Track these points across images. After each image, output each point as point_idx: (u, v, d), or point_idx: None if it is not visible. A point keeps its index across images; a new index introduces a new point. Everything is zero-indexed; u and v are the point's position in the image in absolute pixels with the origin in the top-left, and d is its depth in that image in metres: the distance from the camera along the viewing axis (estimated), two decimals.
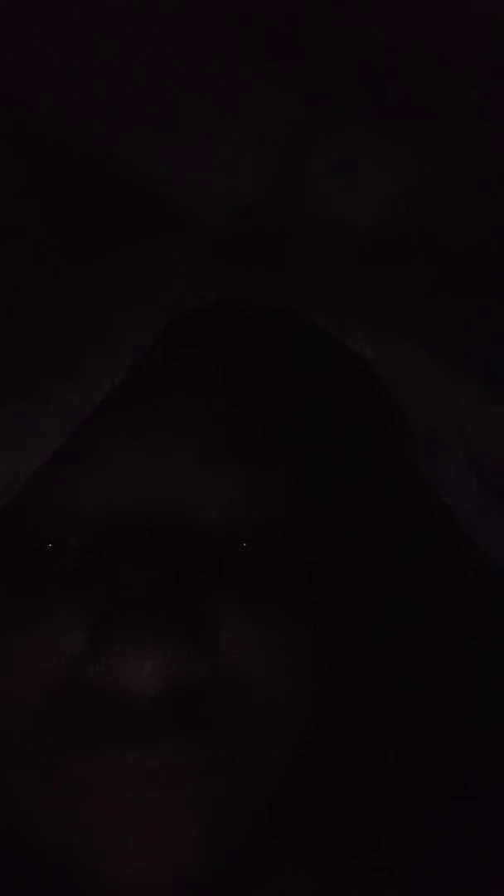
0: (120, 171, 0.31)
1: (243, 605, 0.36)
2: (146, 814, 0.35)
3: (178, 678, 0.34)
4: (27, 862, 0.37)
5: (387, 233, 0.32)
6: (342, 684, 0.38)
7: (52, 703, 0.35)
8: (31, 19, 0.29)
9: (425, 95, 0.31)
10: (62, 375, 0.30)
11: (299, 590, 0.37)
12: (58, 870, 0.37)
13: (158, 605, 0.34)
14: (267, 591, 0.37)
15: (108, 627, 0.34)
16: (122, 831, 0.35)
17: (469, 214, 0.32)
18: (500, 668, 0.37)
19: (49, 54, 0.30)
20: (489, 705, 0.38)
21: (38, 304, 0.31)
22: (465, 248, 0.33)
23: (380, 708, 0.40)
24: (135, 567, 0.35)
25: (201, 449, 0.36)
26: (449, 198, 0.32)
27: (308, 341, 0.34)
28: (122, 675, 0.34)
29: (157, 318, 0.31)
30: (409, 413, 0.34)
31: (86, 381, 0.31)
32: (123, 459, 0.36)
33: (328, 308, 0.33)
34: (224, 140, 0.31)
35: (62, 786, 0.36)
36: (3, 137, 0.31)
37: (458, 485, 0.33)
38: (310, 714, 0.37)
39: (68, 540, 0.36)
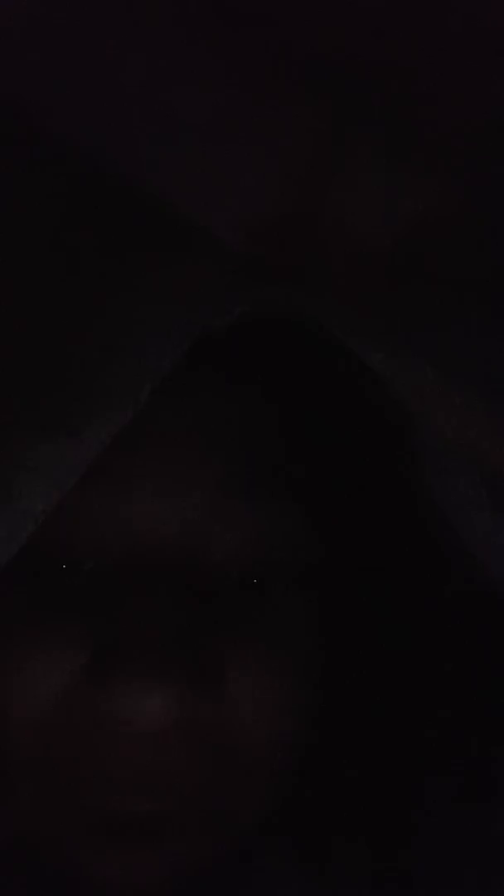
0: (138, 191, 0.31)
1: (251, 645, 0.36)
2: (145, 815, 0.36)
3: (183, 715, 0.33)
4: (27, 862, 0.38)
5: (404, 252, 0.32)
6: (342, 705, 0.39)
7: (55, 722, 0.35)
8: (55, 49, 0.28)
9: (448, 120, 0.31)
10: (87, 402, 0.30)
11: (305, 631, 0.37)
12: (58, 870, 0.37)
13: (168, 638, 0.34)
14: (274, 632, 0.36)
15: (115, 656, 0.34)
16: (122, 830, 0.36)
17: (487, 238, 0.32)
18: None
19: (73, 77, 0.30)
20: (489, 724, 0.38)
21: (59, 330, 0.30)
22: (480, 270, 0.33)
23: (380, 715, 0.40)
24: (145, 597, 0.34)
25: (221, 480, 0.36)
26: (466, 221, 0.32)
27: (318, 356, 0.34)
28: (128, 707, 0.33)
29: (179, 340, 0.31)
30: (419, 430, 0.33)
31: (110, 408, 0.30)
32: (142, 486, 0.35)
33: (343, 324, 0.33)
34: (246, 160, 0.31)
35: (62, 806, 0.36)
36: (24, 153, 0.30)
37: (468, 504, 0.33)
38: (306, 742, 0.37)
39: (80, 563, 0.35)
